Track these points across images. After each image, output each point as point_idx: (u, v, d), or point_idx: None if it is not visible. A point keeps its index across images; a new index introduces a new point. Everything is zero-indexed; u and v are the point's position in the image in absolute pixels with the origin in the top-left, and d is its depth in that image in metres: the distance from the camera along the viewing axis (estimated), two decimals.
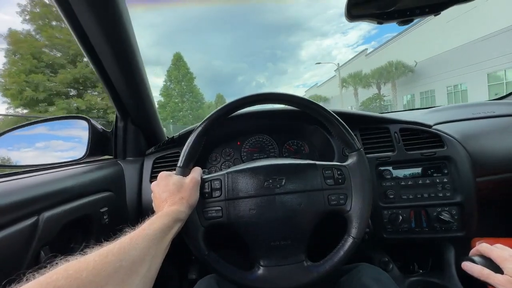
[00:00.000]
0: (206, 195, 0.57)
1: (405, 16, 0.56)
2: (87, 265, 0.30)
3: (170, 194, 0.51)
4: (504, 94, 1.21)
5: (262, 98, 0.61)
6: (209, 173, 0.65)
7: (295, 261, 0.56)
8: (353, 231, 0.55)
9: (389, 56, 21.20)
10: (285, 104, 0.62)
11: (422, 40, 18.14)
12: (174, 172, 0.57)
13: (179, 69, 29.44)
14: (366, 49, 29.03)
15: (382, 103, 23.19)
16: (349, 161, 0.60)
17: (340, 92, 27.06)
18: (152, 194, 0.55)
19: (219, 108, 0.60)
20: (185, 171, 0.57)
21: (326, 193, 0.57)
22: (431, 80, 17.99)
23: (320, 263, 0.56)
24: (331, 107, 0.69)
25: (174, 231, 0.46)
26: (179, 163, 0.57)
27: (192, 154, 0.58)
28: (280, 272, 0.55)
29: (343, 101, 27.97)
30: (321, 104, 0.62)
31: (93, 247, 0.35)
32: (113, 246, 0.34)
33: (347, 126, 0.59)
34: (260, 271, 0.56)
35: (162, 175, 0.55)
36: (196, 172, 0.57)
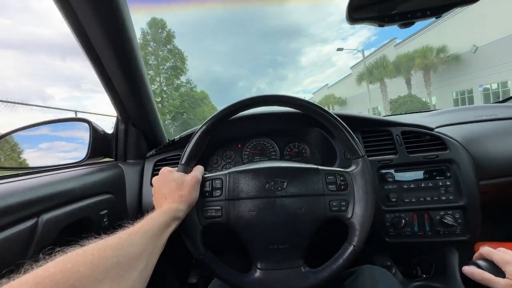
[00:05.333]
0: (207, 194, 0.57)
1: (406, 19, 0.56)
2: (85, 259, 0.30)
3: (170, 190, 0.51)
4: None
5: (267, 100, 0.60)
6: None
7: (292, 265, 0.55)
8: (354, 239, 0.54)
9: (339, 90, 33.34)
10: (291, 107, 0.62)
11: (353, 84, 28.35)
12: (176, 168, 0.57)
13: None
14: (327, 83, 40.39)
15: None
16: (353, 167, 0.59)
17: None
18: (152, 189, 0.56)
19: (223, 108, 0.60)
20: (187, 169, 0.57)
21: (327, 198, 0.56)
22: (354, 109, 29.21)
23: (318, 270, 0.55)
24: None
25: (171, 229, 0.46)
26: (182, 161, 0.57)
27: (195, 152, 0.58)
28: (277, 276, 0.55)
29: None
30: None
31: (92, 239, 0.35)
32: (112, 241, 0.34)
33: (351, 132, 0.59)
34: (257, 274, 0.55)
35: (164, 170, 0.56)
36: (198, 171, 0.57)
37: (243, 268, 0.58)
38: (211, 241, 0.60)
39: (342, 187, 0.57)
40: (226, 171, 0.59)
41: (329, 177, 0.58)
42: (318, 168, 0.59)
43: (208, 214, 0.56)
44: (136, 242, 0.37)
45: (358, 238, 0.54)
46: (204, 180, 0.58)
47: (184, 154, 0.58)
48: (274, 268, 0.55)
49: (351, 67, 30.53)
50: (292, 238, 0.56)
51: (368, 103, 23.07)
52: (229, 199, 0.56)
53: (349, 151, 0.60)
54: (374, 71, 21.98)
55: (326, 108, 0.61)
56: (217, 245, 0.71)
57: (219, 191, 0.57)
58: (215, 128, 0.59)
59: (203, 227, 0.56)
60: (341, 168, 0.61)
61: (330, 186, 0.57)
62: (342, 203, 0.56)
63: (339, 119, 0.59)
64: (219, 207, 0.56)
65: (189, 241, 0.55)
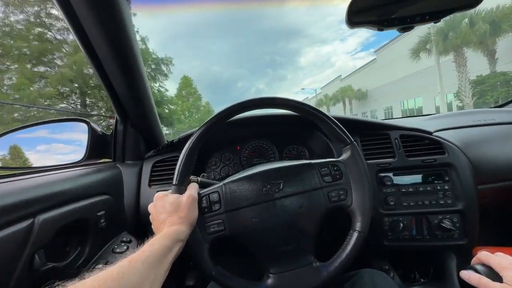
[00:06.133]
0: (206, 209, 0.56)
1: (405, 23, 0.56)
2: None
3: (168, 214, 0.50)
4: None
5: (253, 104, 0.59)
6: (208, 178, 0.64)
7: (304, 263, 0.55)
8: (358, 225, 0.55)
9: (355, 82, 28.12)
10: (278, 108, 0.62)
11: (376, 72, 24.38)
12: (170, 191, 0.55)
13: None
14: (340, 75, 34.92)
15: None
16: (344, 155, 0.59)
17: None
18: (150, 216, 0.54)
19: (213, 115, 0.59)
20: (181, 189, 0.55)
21: (325, 190, 0.56)
22: (378, 104, 25.05)
23: (330, 262, 0.55)
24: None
25: (174, 252, 0.44)
26: (174, 181, 0.55)
27: (186, 171, 0.56)
28: (291, 277, 0.54)
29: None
30: None
31: (91, 270, 0.34)
32: (112, 271, 0.34)
33: (337, 122, 0.59)
34: (270, 280, 0.54)
35: (158, 195, 0.54)
36: (193, 189, 0.55)
37: (255, 276, 0.57)
38: (218, 254, 0.59)
39: (338, 176, 0.57)
40: (221, 183, 0.58)
41: (323, 169, 0.58)
42: (310, 163, 0.59)
43: (211, 230, 0.55)
44: (137, 271, 0.36)
45: (362, 224, 0.54)
46: (200, 196, 0.57)
47: (175, 174, 0.55)
48: (286, 270, 0.55)
49: (376, 51, 25.22)
50: (298, 237, 0.55)
51: (438, 84, 14.28)
52: (229, 211, 0.55)
53: (338, 141, 0.60)
54: (450, 34, 13.41)
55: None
56: (225, 257, 0.70)
57: (217, 204, 0.56)
58: (207, 135, 0.58)
59: (208, 244, 0.54)
60: None
61: (326, 177, 0.57)
62: (341, 192, 0.56)
63: (323, 112, 0.60)
64: (220, 220, 0.55)
65: (198, 260, 0.54)
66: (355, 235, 0.54)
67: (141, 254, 0.39)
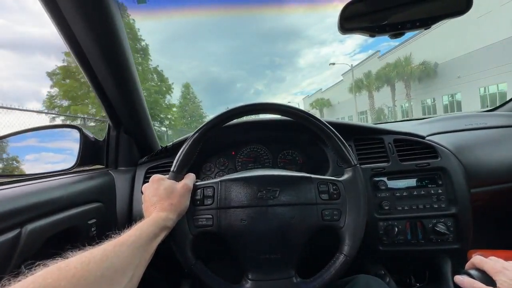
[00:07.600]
0: (198, 202, 0.56)
1: (396, 30, 0.57)
2: (67, 273, 0.29)
3: (160, 198, 0.50)
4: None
5: (260, 108, 0.60)
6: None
7: (284, 276, 0.54)
8: (346, 249, 0.54)
9: (422, 52, 17.83)
10: (282, 115, 0.62)
11: (439, 41, 15.52)
12: (167, 176, 0.56)
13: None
14: (379, 50, 24.70)
15: None
16: (345, 176, 0.59)
17: (354, 95, 22.66)
18: (142, 196, 0.55)
19: (215, 116, 0.59)
20: (178, 177, 0.56)
21: (320, 207, 0.56)
22: (461, 80, 14.75)
23: (310, 280, 0.54)
24: (336, 114, 0.68)
25: (160, 239, 0.45)
26: (173, 168, 0.56)
27: (186, 160, 0.57)
28: (268, 287, 0.54)
29: (357, 105, 23.49)
30: (324, 110, 0.61)
31: (77, 249, 0.34)
32: (96, 253, 0.33)
33: (344, 141, 0.59)
34: (248, 285, 0.54)
35: (155, 178, 0.55)
36: (189, 179, 0.57)
37: (234, 278, 0.57)
38: (201, 250, 0.58)
39: (335, 196, 0.57)
40: (218, 179, 0.59)
41: (321, 186, 0.57)
42: (310, 177, 0.58)
43: (199, 223, 0.55)
44: (122, 254, 0.36)
45: (350, 248, 0.54)
46: (195, 188, 0.57)
47: (175, 161, 0.57)
48: (265, 278, 0.55)
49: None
50: (284, 248, 0.55)
51: None
52: (221, 208, 0.56)
53: (341, 160, 0.60)
54: None
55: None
56: (208, 254, 0.70)
57: (210, 199, 0.56)
58: (206, 136, 0.59)
59: (193, 236, 0.55)
60: (334, 175, 0.61)
61: (323, 195, 0.57)
62: (335, 212, 0.56)
63: (331, 127, 0.59)
64: (210, 216, 0.55)
65: (179, 250, 0.54)
66: (341, 258, 0.54)
67: (127, 238, 0.39)
